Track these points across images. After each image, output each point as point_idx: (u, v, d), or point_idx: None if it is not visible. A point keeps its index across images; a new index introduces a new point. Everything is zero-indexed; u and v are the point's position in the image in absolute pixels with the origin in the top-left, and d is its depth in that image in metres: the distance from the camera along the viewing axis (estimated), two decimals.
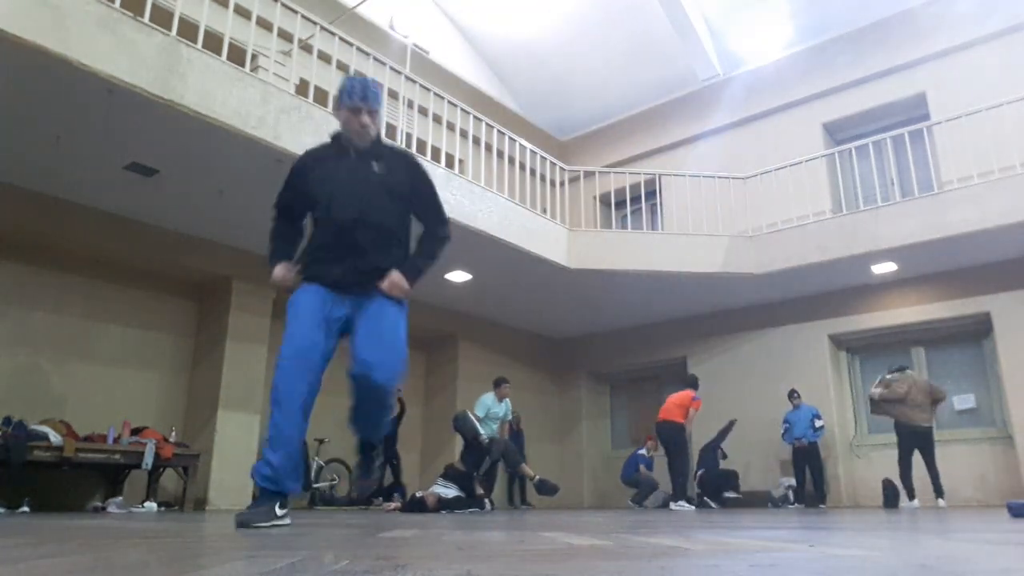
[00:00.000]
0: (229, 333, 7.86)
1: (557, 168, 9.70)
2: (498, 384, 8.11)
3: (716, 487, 9.38)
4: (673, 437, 8.64)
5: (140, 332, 7.82)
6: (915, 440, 7.87)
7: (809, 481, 8.92)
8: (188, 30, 5.60)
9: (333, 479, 8.93)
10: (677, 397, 8.95)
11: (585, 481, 11.49)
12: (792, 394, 9.16)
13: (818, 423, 8.88)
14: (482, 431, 7.41)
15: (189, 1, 5.86)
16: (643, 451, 10.28)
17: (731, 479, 9.50)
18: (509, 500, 10.24)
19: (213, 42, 5.78)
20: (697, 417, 9.00)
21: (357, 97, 2.93)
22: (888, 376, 8.08)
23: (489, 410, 7.95)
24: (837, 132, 10.38)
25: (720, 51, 11.06)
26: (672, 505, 8.70)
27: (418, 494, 6.67)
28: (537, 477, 7.08)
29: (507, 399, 8.17)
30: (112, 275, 7.62)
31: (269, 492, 2.75)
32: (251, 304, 8.12)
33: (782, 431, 9.15)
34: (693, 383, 9.14)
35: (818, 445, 8.91)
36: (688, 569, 1.15)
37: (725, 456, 9.58)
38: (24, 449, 5.89)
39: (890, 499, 8.23)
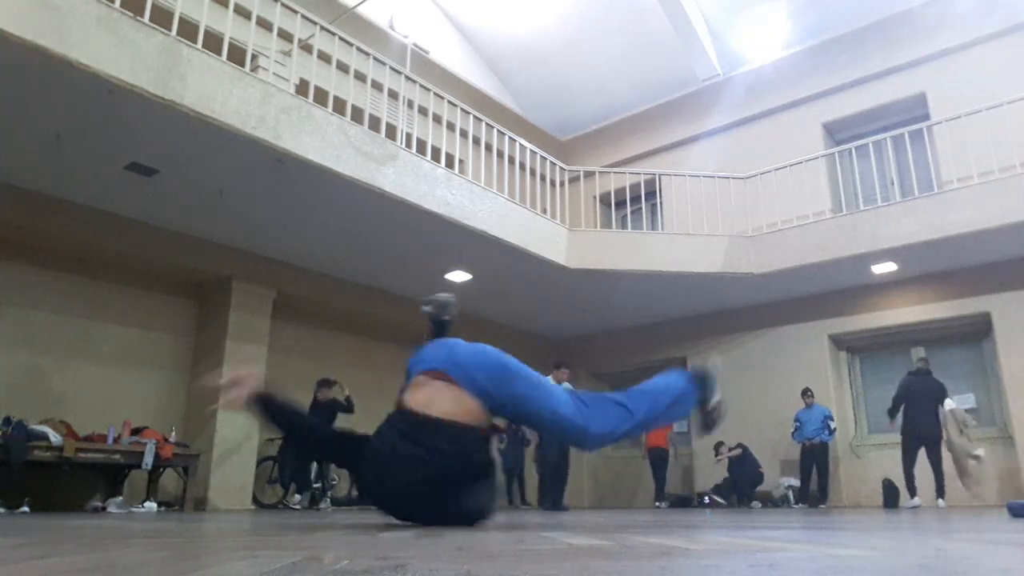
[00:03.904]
0: (229, 333, 7.86)
1: (557, 168, 9.70)
2: (558, 367, 8.08)
3: (744, 490, 9.60)
4: (663, 461, 10.00)
5: (140, 332, 7.82)
6: (922, 440, 7.87)
7: (813, 481, 8.93)
8: (188, 30, 5.59)
9: (333, 479, 8.93)
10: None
11: (585, 481, 11.48)
12: (805, 392, 9.15)
13: (832, 424, 8.89)
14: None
15: (189, 1, 5.86)
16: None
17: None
18: (508, 499, 10.25)
19: (213, 42, 5.77)
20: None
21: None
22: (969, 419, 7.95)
23: None
24: (837, 132, 10.38)
25: (720, 51, 11.06)
26: (656, 503, 9.79)
27: None
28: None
29: (566, 383, 8.09)
30: (112, 275, 7.62)
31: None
32: (251, 304, 8.12)
33: (792, 429, 9.14)
34: None
35: (828, 446, 8.93)
36: (688, 569, 1.15)
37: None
38: (24, 449, 5.89)
39: (890, 499, 8.23)
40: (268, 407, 2.77)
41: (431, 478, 2.45)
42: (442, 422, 2.52)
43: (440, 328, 3.31)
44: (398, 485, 2.48)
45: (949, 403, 7.89)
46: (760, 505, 9.32)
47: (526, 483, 9.80)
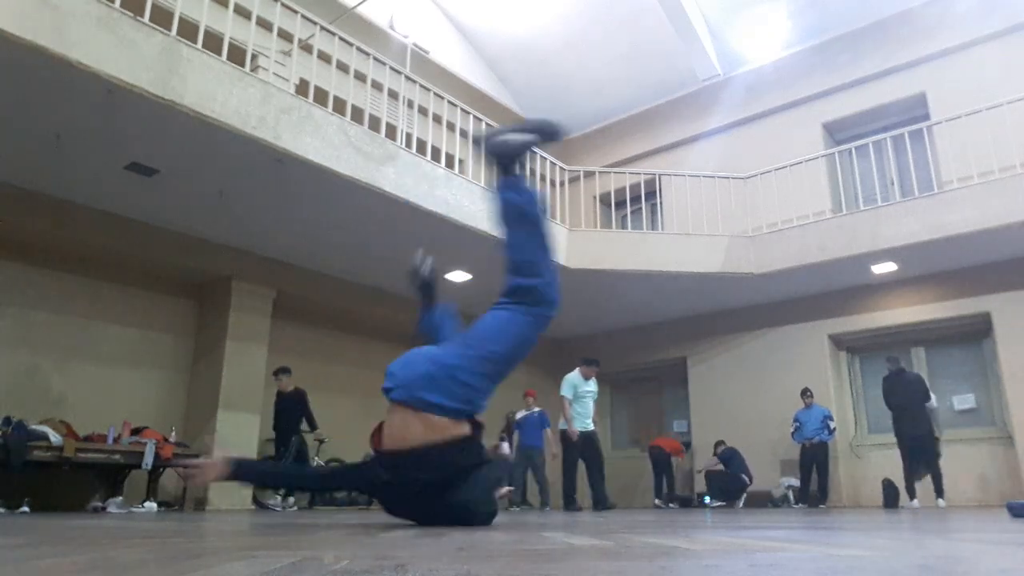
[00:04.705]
0: (229, 333, 7.86)
1: (557, 168, 9.70)
2: (588, 363, 8.20)
3: (724, 489, 9.58)
4: (662, 459, 10.16)
5: (140, 332, 7.82)
6: (915, 439, 7.89)
7: (814, 481, 8.92)
8: (188, 30, 5.59)
9: None
10: (669, 439, 10.58)
11: (586, 481, 11.46)
12: (805, 392, 9.15)
13: (831, 424, 8.89)
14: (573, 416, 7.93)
15: (189, 1, 5.86)
16: (532, 411, 9.31)
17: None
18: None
19: (213, 42, 5.77)
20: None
21: None
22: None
23: (577, 388, 8.06)
24: (837, 132, 10.38)
25: (720, 51, 11.06)
26: (657, 502, 9.86)
27: None
28: None
29: (594, 379, 8.23)
30: (112, 275, 7.62)
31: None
32: (251, 304, 8.12)
33: (792, 429, 9.14)
34: (686, 444, 10.66)
35: (827, 446, 8.92)
36: (688, 569, 1.15)
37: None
38: (24, 449, 5.89)
39: (890, 499, 8.24)
40: (243, 477, 3.17)
41: (431, 490, 2.58)
42: (417, 452, 2.56)
43: (428, 292, 3.56)
44: (410, 501, 2.69)
45: (934, 400, 7.99)
46: (740, 505, 9.32)
47: (526, 483, 9.80)
